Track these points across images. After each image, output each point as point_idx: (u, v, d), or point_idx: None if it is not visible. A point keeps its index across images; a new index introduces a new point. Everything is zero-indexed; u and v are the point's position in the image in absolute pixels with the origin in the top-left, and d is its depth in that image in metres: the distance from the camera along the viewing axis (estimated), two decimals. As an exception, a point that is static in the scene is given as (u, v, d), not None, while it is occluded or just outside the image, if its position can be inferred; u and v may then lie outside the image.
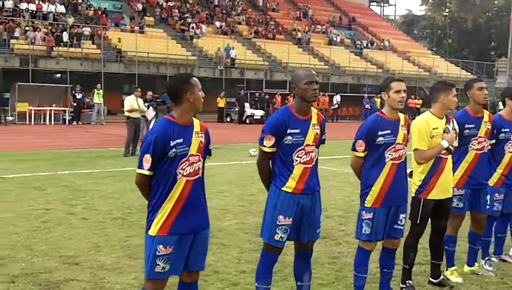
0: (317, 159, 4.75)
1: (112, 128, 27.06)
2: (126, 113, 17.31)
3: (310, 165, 4.65)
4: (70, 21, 38.84)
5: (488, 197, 6.02)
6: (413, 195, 5.50)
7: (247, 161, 14.94)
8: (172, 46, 41.48)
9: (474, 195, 5.91)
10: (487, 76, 59.70)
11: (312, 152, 4.65)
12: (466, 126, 5.81)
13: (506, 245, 6.81)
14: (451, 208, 5.70)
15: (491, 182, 6.21)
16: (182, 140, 3.97)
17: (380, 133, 4.96)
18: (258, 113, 34.97)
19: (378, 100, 43.04)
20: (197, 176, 4.06)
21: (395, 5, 77.10)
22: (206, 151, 4.19)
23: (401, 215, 5.12)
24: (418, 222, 5.45)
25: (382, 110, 5.14)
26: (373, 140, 4.97)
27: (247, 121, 34.15)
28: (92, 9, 43.03)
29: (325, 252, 6.88)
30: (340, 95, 40.86)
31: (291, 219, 4.61)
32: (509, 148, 6.24)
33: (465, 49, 77.22)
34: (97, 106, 30.50)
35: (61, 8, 40.80)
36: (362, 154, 5.05)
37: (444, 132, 5.38)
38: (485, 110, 6.01)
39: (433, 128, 5.35)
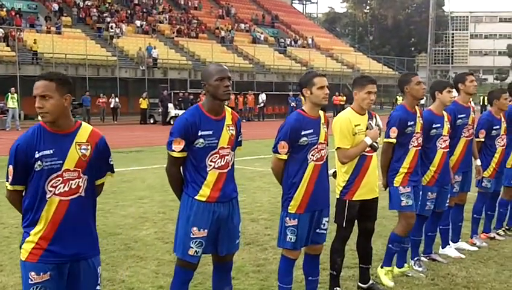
0: (233, 163, 4.34)
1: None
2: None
3: (226, 170, 4.23)
4: (-20, 23, 37.04)
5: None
6: (338, 197, 5.18)
7: (170, 163, 14.12)
8: (91, 47, 40.32)
9: (414, 192, 5.65)
10: (408, 71, 61.16)
11: (227, 155, 4.23)
12: (408, 123, 5.55)
13: (436, 243, 6.63)
14: (401, 207, 5.49)
15: (424, 180, 5.98)
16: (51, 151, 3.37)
17: (303, 132, 4.60)
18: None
19: (303, 98, 43.21)
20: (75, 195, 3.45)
21: (317, 2, 77.88)
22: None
23: (324, 219, 4.79)
24: (344, 224, 5.14)
25: (303, 108, 4.77)
26: (296, 141, 4.60)
27: (171, 122, 33.37)
28: (5, 9, 41.15)
29: (249, 260, 6.48)
30: (266, 94, 40.73)
31: (206, 230, 4.17)
32: (441, 144, 6.02)
33: (386, 46, 79.05)
34: (11, 111, 29.05)
35: (-28, 9, 38.85)
36: (285, 157, 4.67)
37: (367, 128, 5.09)
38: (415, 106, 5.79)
39: (355, 125, 5.06)
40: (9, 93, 29.11)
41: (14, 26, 38.39)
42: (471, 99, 7.10)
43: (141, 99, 35.16)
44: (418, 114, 5.70)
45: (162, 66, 41.75)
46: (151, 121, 35.06)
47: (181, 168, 4.27)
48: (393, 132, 5.50)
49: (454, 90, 6.21)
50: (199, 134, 4.11)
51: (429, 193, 5.99)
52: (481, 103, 43.98)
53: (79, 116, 31.92)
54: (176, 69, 42.67)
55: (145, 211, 9.09)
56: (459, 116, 6.46)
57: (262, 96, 40.08)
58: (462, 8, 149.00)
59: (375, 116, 5.24)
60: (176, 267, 4.36)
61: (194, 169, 4.18)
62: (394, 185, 5.58)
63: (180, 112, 34.17)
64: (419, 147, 5.68)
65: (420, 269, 6.02)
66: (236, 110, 39.69)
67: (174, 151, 4.14)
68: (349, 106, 5.41)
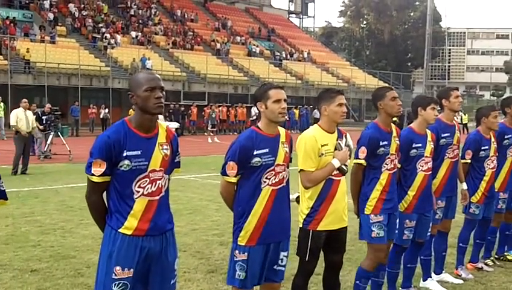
0: (167, 189, 3.69)
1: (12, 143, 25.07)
2: (13, 128, 15.86)
3: (157, 197, 3.56)
4: (-27, 31, 36.59)
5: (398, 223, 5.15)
6: (301, 226, 4.56)
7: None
8: (85, 57, 39.81)
9: (390, 220, 5.03)
10: (404, 87, 60.90)
11: (160, 180, 3.57)
12: (380, 143, 4.92)
13: (417, 274, 6.01)
14: (371, 238, 4.87)
15: (401, 206, 5.37)
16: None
17: (255, 152, 4.00)
18: (173, 125, 33.44)
19: (296, 111, 42.83)
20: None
21: (313, 16, 77.39)
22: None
23: (282, 254, 4.17)
24: (307, 258, 4.51)
25: (258, 125, 4.17)
26: (247, 161, 4.00)
27: (162, 134, 32.80)
28: (0, 18, 40.68)
29: (210, 291, 5.87)
30: (259, 107, 40.18)
31: (132, 270, 3.47)
32: (422, 166, 5.40)
33: (382, 61, 78.66)
34: (-1, 120, 28.55)
35: (-35, 18, 38.40)
36: (234, 179, 4.07)
37: (336, 149, 4.49)
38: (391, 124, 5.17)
39: (322, 145, 4.44)
40: (-2, 102, 28.67)
41: (7, 35, 37.85)
42: (456, 117, 6.52)
43: (131, 110, 34.51)
44: (395, 133, 5.10)
45: (155, 77, 41.13)
46: (141, 133, 34.40)
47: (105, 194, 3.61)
48: (363, 152, 4.89)
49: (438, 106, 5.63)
50: (124, 154, 3.43)
51: (407, 221, 5.36)
52: (460, 122, 42.30)
53: (67, 127, 31.39)
54: (170, 80, 42.04)
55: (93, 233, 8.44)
56: (443, 135, 5.85)
57: (255, 109, 39.35)
58: (459, 24, 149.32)
59: (346, 136, 4.62)
60: None
61: (119, 196, 3.49)
62: (365, 212, 4.99)
63: (171, 124, 33.73)
64: (393, 171, 5.05)
65: (397, 305, 5.39)
66: (229, 123, 39.33)
67: (93, 175, 3.45)
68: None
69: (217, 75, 44.90)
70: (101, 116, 35.82)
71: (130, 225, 3.48)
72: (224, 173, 4.07)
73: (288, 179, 4.20)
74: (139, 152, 3.48)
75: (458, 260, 6.56)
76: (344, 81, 55.70)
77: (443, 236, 6.21)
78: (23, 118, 15.77)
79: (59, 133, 20.22)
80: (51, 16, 44.33)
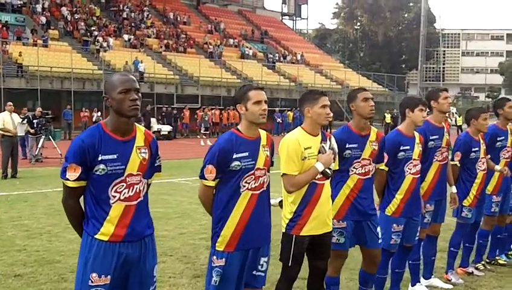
0: (146, 194, 3.59)
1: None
2: (1, 132, 15.72)
3: (135, 202, 3.47)
4: (-35, 34, 36.39)
5: (379, 229, 4.99)
6: (284, 230, 4.45)
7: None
8: (78, 60, 39.66)
9: (358, 228, 4.91)
10: (398, 89, 60.91)
11: (137, 184, 3.47)
12: (347, 146, 4.79)
13: (405, 279, 5.91)
14: (332, 245, 4.70)
15: (389, 210, 5.27)
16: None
17: (235, 156, 3.89)
18: (165, 128, 33.61)
19: (290, 114, 42.77)
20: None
21: (307, 18, 77.37)
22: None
23: (262, 259, 4.06)
24: (289, 263, 4.39)
25: (238, 128, 4.06)
26: (226, 165, 3.89)
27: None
28: (-8, 22, 40.49)
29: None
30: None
31: (109, 277, 3.38)
32: (410, 169, 5.29)
33: (376, 62, 78.67)
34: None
35: (-43, 21, 38.18)
36: (212, 183, 3.95)
37: (319, 152, 4.38)
38: (372, 127, 5.03)
39: (305, 148, 4.33)
40: (-12, 106, 28.52)
41: (0, 39, 37.66)
42: (450, 118, 6.41)
43: (125, 113, 34.41)
44: (373, 138, 4.95)
45: (148, 80, 41.08)
46: (134, 136, 34.30)
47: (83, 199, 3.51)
48: None
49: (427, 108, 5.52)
50: (99, 158, 3.35)
51: (395, 225, 5.26)
52: (455, 123, 41.71)
53: (60, 130, 31.25)
54: (163, 83, 41.97)
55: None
56: (431, 137, 5.74)
57: (249, 112, 39.43)
58: (453, 25, 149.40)
59: (330, 139, 4.50)
60: None
61: (95, 201, 3.41)
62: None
63: (163, 127, 33.62)
64: (365, 177, 4.89)
65: (384, 311, 5.29)
66: (221, 126, 39.20)
67: (68, 180, 3.35)
68: (343, 123, 4.68)
69: (210, 78, 44.78)
70: (94, 120, 35.52)
71: (107, 230, 3.40)
72: (202, 176, 3.97)
73: (268, 184, 4.09)
74: (115, 156, 3.39)
75: (448, 265, 6.46)
76: (338, 83, 55.68)
77: (432, 240, 6.10)
78: (9, 121, 15.65)
79: (50, 136, 20.10)
80: (43, 19, 44.11)
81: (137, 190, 3.48)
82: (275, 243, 4.49)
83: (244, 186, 3.93)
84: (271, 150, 4.14)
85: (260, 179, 3.98)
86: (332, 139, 4.52)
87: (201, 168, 3.97)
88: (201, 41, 52.80)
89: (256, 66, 50.86)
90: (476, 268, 6.70)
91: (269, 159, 4.08)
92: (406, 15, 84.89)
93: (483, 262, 6.87)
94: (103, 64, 40.54)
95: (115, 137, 3.43)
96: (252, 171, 3.94)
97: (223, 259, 3.92)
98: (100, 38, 44.24)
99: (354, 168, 4.84)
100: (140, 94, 3.46)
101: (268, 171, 4.10)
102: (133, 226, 3.45)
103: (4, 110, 16.32)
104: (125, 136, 3.46)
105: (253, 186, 3.94)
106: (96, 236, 3.40)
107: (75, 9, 48.15)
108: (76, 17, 46.80)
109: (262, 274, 4.09)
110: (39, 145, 19.22)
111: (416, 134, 5.43)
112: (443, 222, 6.12)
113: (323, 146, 4.39)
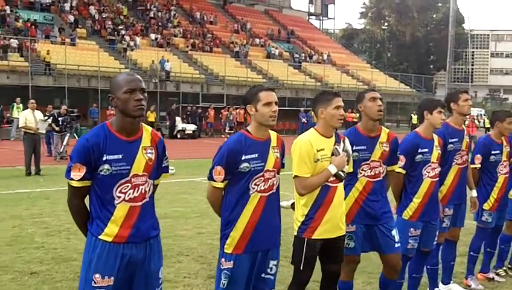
0: (152, 195, 3.54)
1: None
2: (23, 129, 15.93)
3: (140, 203, 3.43)
4: (-5, 33, 36.97)
5: (394, 232, 4.85)
6: (296, 234, 4.37)
7: (162, 180, 13.42)
8: (105, 59, 39.96)
9: (370, 232, 4.79)
10: (426, 89, 60.32)
11: (143, 185, 3.43)
12: (354, 148, 4.68)
13: (423, 284, 5.79)
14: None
15: (406, 214, 5.16)
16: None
17: (244, 157, 3.82)
18: (190, 127, 33.66)
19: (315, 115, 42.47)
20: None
21: (334, 18, 76.99)
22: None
23: (272, 263, 3.98)
24: (301, 267, 4.32)
25: (248, 128, 3.99)
26: (235, 166, 3.82)
27: (178, 136, 32.76)
28: (21, 20, 40.99)
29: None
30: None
31: (112, 278, 3.35)
32: (428, 172, 5.16)
33: (403, 63, 77.96)
34: (16, 121, 28.70)
35: (-13, 20, 38.78)
36: (221, 185, 3.89)
37: (333, 155, 4.30)
38: (383, 128, 4.92)
39: (318, 150, 4.25)
40: (14, 104, 28.92)
41: (29, 37, 38.18)
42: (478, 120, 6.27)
43: (149, 112, 34.56)
44: (383, 139, 4.84)
45: (174, 79, 41.27)
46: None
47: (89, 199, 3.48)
48: None
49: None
50: (104, 158, 3.31)
51: (412, 229, 5.14)
52: (483, 125, 40.59)
53: (86, 128, 31.52)
54: (189, 82, 42.12)
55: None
56: (451, 140, 5.61)
57: (273, 112, 39.30)
58: (482, 26, 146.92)
59: (344, 141, 4.41)
60: None
61: (99, 202, 3.38)
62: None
63: (188, 126, 33.70)
64: (375, 179, 4.79)
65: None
66: (246, 125, 39.05)
67: (72, 179, 3.33)
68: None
69: (235, 77, 44.82)
70: (120, 118, 35.84)
71: (111, 231, 3.37)
72: (210, 177, 3.91)
73: (278, 186, 4.02)
74: (120, 156, 3.35)
75: (468, 270, 6.33)
76: (364, 83, 55.27)
77: (451, 245, 5.96)
78: (31, 118, 15.80)
79: (75, 134, 20.28)
80: (71, 18, 44.63)
81: (143, 191, 3.44)
82: (289, 245, 4.44)
83: (254, 188, 3.86)
84: (281, 152, 4.07)
85: (270, 181, 3.91)
86: (347, 141, 4.44)
87: (210, 169, 3.91)
88: (227, 41, 52.85)
89: (282, 66, 50.74)
90: (497, 274, 6.56)
91: (279, 160, 4.01)
92: (434, 15, 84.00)
93: (504, 268, 6.72)
94: (130, 63, 40.87)
95: (120, 137, 3.39)
96: (261, 173, 3.88)
97: (231, 261, 3.87)
98: (127, 37, 44.57)
99: (362, 170, 4.75)
100: (146, 94, 3.41)
101: (279, 173, 4.03)
102: (138, 227, 3.42)
103: (35, 107, 16.40)
104: (131, 136, 3.42)
105: (262, 188, 3.88)
106: (100, 237, 3.37)
107: (102, 8, 48.58)
108: (103, 16, 47.21)
109: (272, 277, 4.02)
110: (64, 143, 19.41)
111: (435, 137, 5.32)
112: (462, 227, 5.98)
113: (336, 148, 4.31)
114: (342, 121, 4.39)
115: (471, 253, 6.33)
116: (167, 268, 6.62)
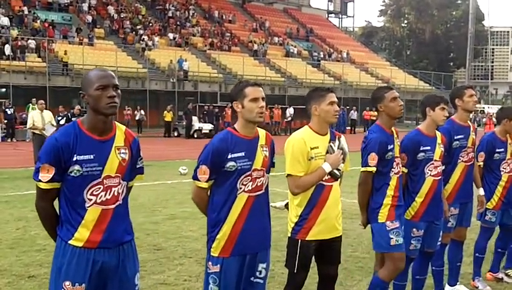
0: (125, 197, 3.36)
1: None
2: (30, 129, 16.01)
3: (112, 206, 3.24)
4: (13, 33, 37.22)
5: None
6: (289, 235, 4.23)
7: (174, 180, 13.21)
8: (123, 59, 40.18)
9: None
10: (446, 87, 59.59)
11: (116, 187, 3.25)
12: (389, 147, 4.59)
13: (428, 285, 5.60)
14: (390, 247, 4.55)
15: (408, 214, 4.98)
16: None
17: (230, 156, 3.67)
18: (207, 127, 33.51)
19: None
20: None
21: (353, 16, 76.62)
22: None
23: (261, 266, 3.81)
24: (295, 270, 4.17)
25: (234, 126, 3.84)
26: (221, 165, 3.67)
27: (195, 136, 32.62)
28: (39, 21, 41.32)
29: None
30: (295, 108, 39.70)
31: (83, 285, 3.16)
32: (430, 170, 4.98)
33: (423, 60, 77.30)
34: (30, 122, 28.90)
35: (5, 21, 39.07)
36: (205, 185, 3.74)
37: (327, 152, 4.15)
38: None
39: (312, 148, 4.10)
40: (30, 104, 28.97)
41: (45, 38, 38.45)
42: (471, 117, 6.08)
43: (165, 112, 34.58)
44: (396, 136, 4.74)
45: (192, 78, 41.30)
46: (175, 134, 34.43)
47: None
48: (373, 158, 4.53)
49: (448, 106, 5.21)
50: (74, 159, 3.12)
51: (414, 230, 4.95)
52: None
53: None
54: (207, 82, 42.18)
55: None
56: (456, 137, 5.41)
57: (290, 110, 39.09)
58: (502, 23, 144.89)
59: (339, 138, 4.27)
60: None
61: (69, 205, 3.19)
62: (379, 220, 4.64)
63: (205, 126, 33.61)
64: (399, 175, 4.71)
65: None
66: (263, 124, 38.92)
67: (40, 181, 3.13)
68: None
69: (254, 76, 44.62)
70: (137, 118, 35.95)
71: (81, 236, 3.18)
72: (195, 177, 3.76)
73: (267, 186, 3.87)
74: (91, 156, 3.17)
75: (475, 272, 6.11)
76: (384, 81, 54.83)
77: (458, 245, 5.76)
78: (39, 119, 15.81)
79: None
80: (89, 18, 44.95)
81: (116, 193, 3.26)
82: (282, 249, 4.29)
83: (241, 188, 3.71)
84: (271, 150, 3.91)
85: (258, 180, 3.75)
86: (342, 138, 4.29)
87: (195, 169, 3.77)
88: (245, 40, 52.80)
89: (301, 64, 50.59)
90: (506, 274, 6.34)
91: (268, 159, 3.85)
92: (453, 13, 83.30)
93: (514, 268, 6.50)
94: (148, 63, 41.00)
95: (91, 136, 3.20)
96: (249, 172, 3.72)
97: (218, 265, 3.71)
98: (145, 37, 44.70)
99: (393, 168, 4.68)
100: (119, 91, 3.23)
101: (268, 173, 3.88)
102: (110, 232, 3.23)
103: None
104: (103, 135, 3.24)
105: (250, 188, 3.72)
106: (70, 242, 3.18)
107: (120, 8, 48.84)
108: (122, 16, 47.44)
109: (261, 281, 3.85)
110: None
111: (438, 134, 5.13)
112: (469, 226, 5.78)
113: (331, 146, 4.16)
114: (337, 117, 4.25)
115: (477, 254, 6.12)
116: (168, 271, 6.54)
